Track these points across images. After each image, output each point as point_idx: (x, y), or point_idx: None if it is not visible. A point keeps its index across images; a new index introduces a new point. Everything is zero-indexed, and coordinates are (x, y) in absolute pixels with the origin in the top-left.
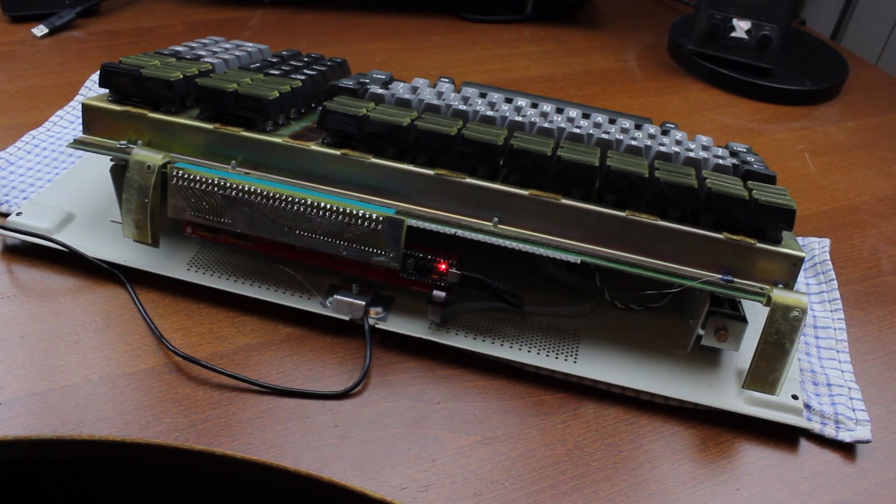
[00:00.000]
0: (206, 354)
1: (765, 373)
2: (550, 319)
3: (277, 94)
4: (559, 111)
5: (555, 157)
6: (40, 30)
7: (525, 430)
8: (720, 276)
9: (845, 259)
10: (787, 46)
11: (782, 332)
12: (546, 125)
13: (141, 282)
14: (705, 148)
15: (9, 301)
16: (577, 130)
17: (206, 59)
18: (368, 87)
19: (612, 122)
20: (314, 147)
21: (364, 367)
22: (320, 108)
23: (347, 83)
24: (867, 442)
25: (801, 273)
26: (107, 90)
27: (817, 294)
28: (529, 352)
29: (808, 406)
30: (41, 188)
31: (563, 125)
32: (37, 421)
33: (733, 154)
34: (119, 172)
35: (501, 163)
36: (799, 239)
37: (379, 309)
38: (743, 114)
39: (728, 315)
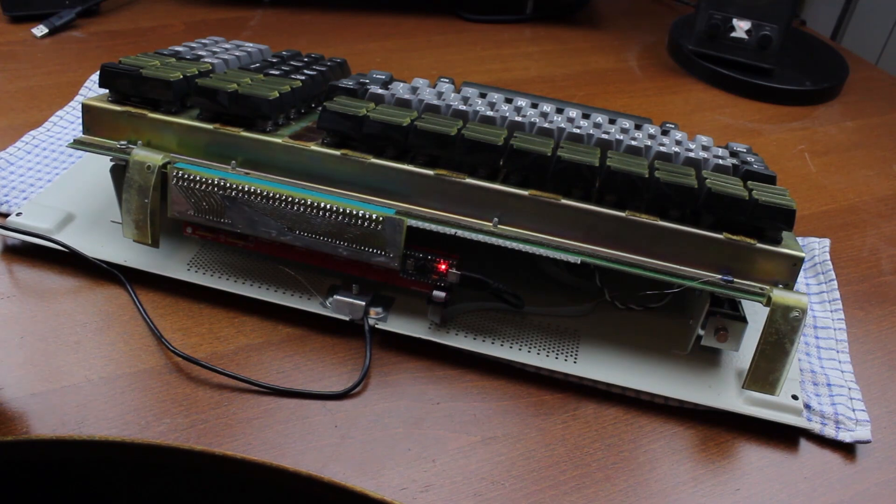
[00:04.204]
0: (206, 354)
1: (765, 373)
2: (550, 319)
3: (277, 95)
4: (559, 111)
5: (555, 157)
6: (40, 30)
7: (525, 430)
8: (720, 276)
9: (845, 259)
10: (787, 46)
11: (782, 332)
12: (546, 125)
13: (141, 282)
14: (705, 148)
15: (9, 301)
16: (577, 130)
17: (206, 60)
18: (368, 87)
19: (612, 122)
20: (314, 147)
21: (364, 367)
22: (320, 108)
23: (347, 83)
24: (867, 442)
25: (801, 273)
26: (107, 90)
27: (817, 294)
28: (529, 352)
29: (808, 406)
30: (41, 188)
31: (563, 125)
32: (37, 421)
33: (733, 154)
34: (119, 172)
35: (501, 163)
36: (799, 239)
37: (379, 309)
38: (743, 114)
39: (728, 315)
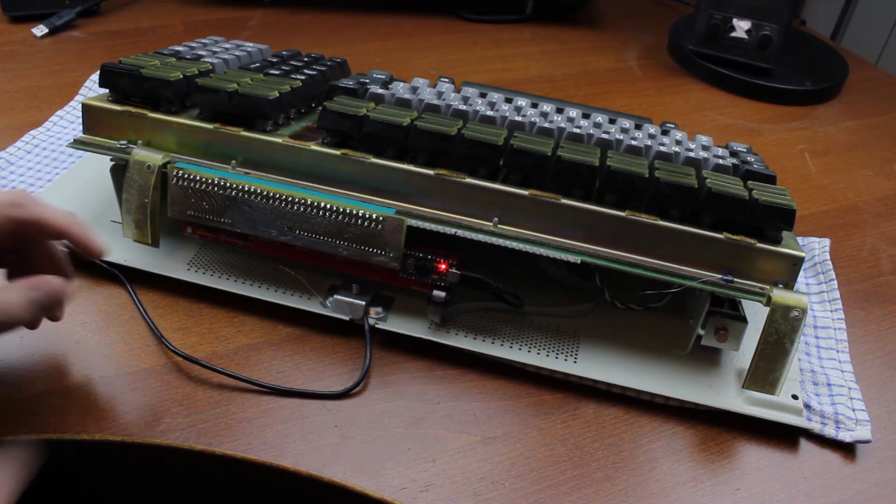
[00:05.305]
0: (206, 354)
1: (765, 373)
2: (550, 319)
3: (277, 94)
4: (559, 111)
5: (555, 157)
6: (40, 30)
7: (525, 430)
8: (720, 276)
9: (845, 259)
10: (787, 46)
11: (782, 332)
12: (546, 125)
13: (141, 282)
14: (705, 148)
15: None
16: (577, 130)
17: (206, 59)
18: (368, 87)
19: (612, 122)
20: (314, 147)
21: (364, 367)
22: (320, 108)
23: (347, 83)
24: (867, 442)
25: (801, 273)
26: (107, 90)
27: (817, 294)
28: (529, 352)
29: (808, 406)
30: (41, 188)
31: (563, 125)
32: (37, 421)
33: (733, 154)
34: (119, 172)
35: (501, 163)
36: (799, 239)
37: (379, 309)
38: (743, 114)
39: (728, 315)
